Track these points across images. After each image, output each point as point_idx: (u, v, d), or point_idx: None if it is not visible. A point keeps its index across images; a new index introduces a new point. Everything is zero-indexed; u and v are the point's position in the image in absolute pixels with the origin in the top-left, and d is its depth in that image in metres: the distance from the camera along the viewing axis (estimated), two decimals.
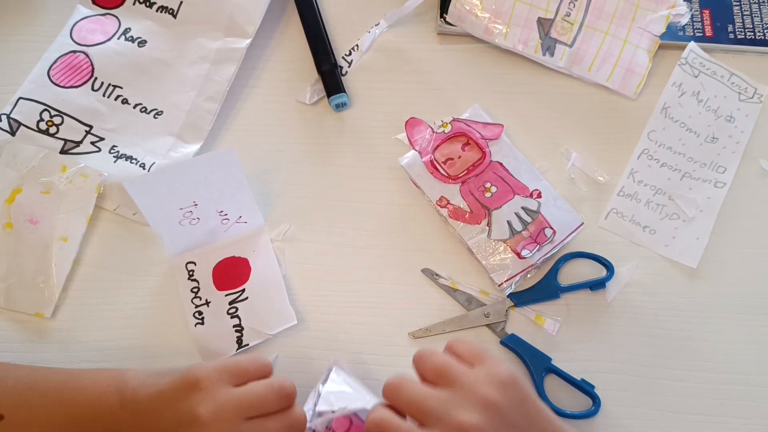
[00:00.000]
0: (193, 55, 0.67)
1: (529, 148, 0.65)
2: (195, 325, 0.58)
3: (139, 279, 0.60)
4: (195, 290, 0.59)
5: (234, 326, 0.58)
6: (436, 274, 0.61)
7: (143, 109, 0.65)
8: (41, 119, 0.63)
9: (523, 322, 0.59)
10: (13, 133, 0.63)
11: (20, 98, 0.64)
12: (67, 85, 0.65)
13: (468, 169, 0.63)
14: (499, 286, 0.59)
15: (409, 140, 0.64)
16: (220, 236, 0.60)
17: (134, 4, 0.69)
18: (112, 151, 0.63)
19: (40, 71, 0.65)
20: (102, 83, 0.65)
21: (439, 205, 0.61)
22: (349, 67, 0.69)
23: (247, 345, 0.57)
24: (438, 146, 0.63)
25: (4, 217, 0.60)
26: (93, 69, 0.66)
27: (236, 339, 0.57)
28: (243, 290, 0.59)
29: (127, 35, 0.67)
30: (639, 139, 0.66)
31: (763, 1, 0.71)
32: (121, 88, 0.66)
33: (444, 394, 0.44)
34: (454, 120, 0.64)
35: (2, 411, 0.47)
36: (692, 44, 0.69)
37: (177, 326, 0.58)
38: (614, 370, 0.58)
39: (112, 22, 0.68)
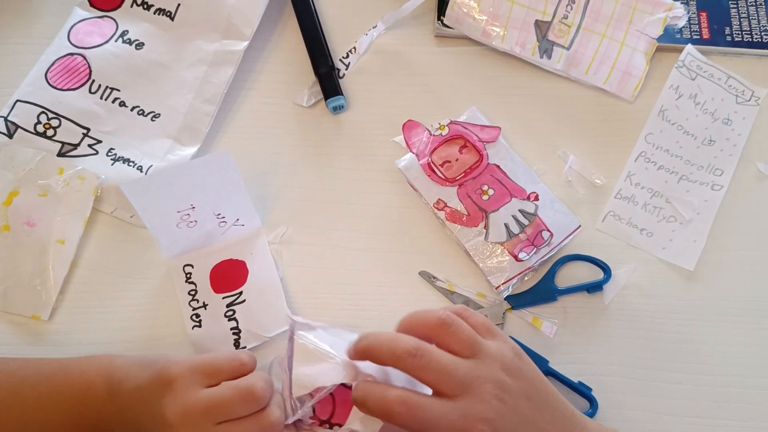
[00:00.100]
0: (191, 57, 0.67)
1: (527, 151, 0.65)
2: (192, 328, 0.58)
3: (136, 282, 0.60)
4: (192, 293, 0.59)
5: (231, 329, 0.58)
6: (434, 277, 0.61)
7: (141, 112, 0.65)
8: (38, 122, 0.63)
9: (520, 325, 0.59)
10: (10, 135, 0.63)
11: (17, 101, 0.64)
12: (65, 87, 0.65)
13: (465, 171, 0.63)
14: (497, 288, 0.59)
15: (407, 143, 0.64)
16: (217, 239, 0.60)
17: (132, 6, 0.69)
18: (110, 153, 0.63)
19: (38, 74, 0.65)
20: (99, 86, 0.65)
21: (437, 208, 0.62)
22: (346, 69, 0.69)
23: (245, 348, 0.57)
24: (435, 149, 0.64)
25: (1, 220, 0.60)
26: (90, 71, 0.66)
27: (233, 342, 0.57)
28: (240, 293, 0.59)
29: (125, 38, 0.67)
30: (636, 141, 0.66)
31: (761, 4, 0.71)
32: (118, 90, 0.66)
33: (470, 364, 0.44)
34: (451, 123, 0.64)
35: None
36: (689, 47, 0.69)
37: (174, 329, 0.58)
38: (611, 373, 0.58)
39: (109, 24, 0.68)
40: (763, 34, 0.70)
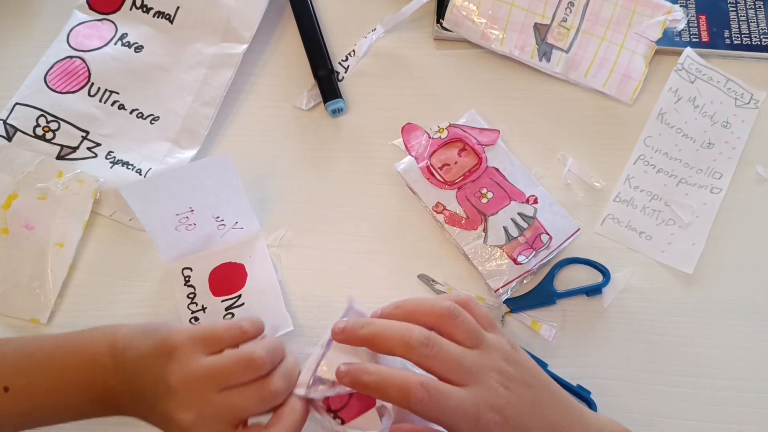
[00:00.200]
0: (190, 60, 0.67)
1: (526, 154, 0.65)
2: None
3: (135, 285, 0.60)
4: (191, 296, 0.59)
5: None
6: (433, 280, 0.61)
7: (140, 115, 0.65)
8: (38, 125, 0.63)
9: (519, 328, 0.59)
10: (9, 138, 0.63)
11: (17, 104, 0.64)
12: (64, 90, 0.65)
13: (464, 174, 0.63)
14: (496, 291, 0.59)
15: (406, 146, 0.64)
16: (216, 242, 0.60)
17: (131, 9, 0.69)
18: (109, 156, 0.63)
19: (37, 76, 0.65)
20: (98, 89, 0.65)
21: (436, 211, 0.62)
22: (345, 72, 0.69)
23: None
24: (434, 152, 0.64)
25: (0, 223, 0.60)
26: (90, 74, 0.66)
27: None
28: (239, 296, 0.59)
29: (124, 40, 0.67)
30: (635, 144, 0.66)
31: (759, 7, 0.71)
32: (117, 93, 0.66)
33: (475, 354, 0.44)
34: (450, 125, 0.65)
35: (6, 383, 0.48)
36: (688, 50, 0.69)
37: None
38: (610, 376, 0.58)
39: (108, 27, 0.68)
40: (762, 37, 0.70)
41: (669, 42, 0.69)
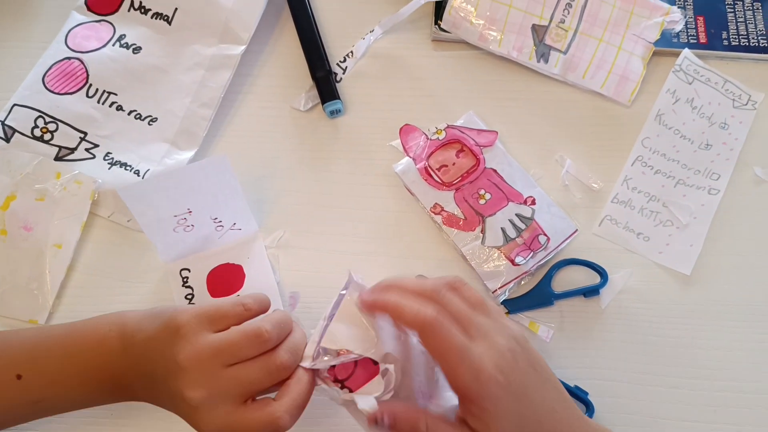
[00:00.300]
0: (188, 61, 0.67)
1: (524, 155, 0.65)
2: None
3: (133, 286, 0.60)
4: (189, 297, 0.59)
5: None
6: None
7: (138, 116, 0.65)
8: (36, 126, 0.63)
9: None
10: (7, 139, 0.63)
11: (15, 105, 0.64)
12: (62, 91, 0.65)
13: (462, 176, 0.63)
14: (493, 293, 0.59)
15: (404, 147, 0.64)
16: (214, 243, 0.60)
17: (129, 10, 0.69)
18: (107, 157, 0.63)
19: (35, 78, 0.65)
20: (97, 90, 0.65)
21: (433, 212, 0.62)
22: (343, 73, 0.69)
23: None
24: (432, 153, 0.64)
25: None
26: (88, 76, 0.66)
27: None
28: (237, 297, 0.59)
29: (122, 42, 0.67)
30: (633, 146, 0.66)
31: (758, 8, 0.71)
32: (115, 94, 0.66)
33: (486, 318, 0.45)
34: (448, 127, 0.65)
35: (18, 371, 0.48)
36: (686, 51, 0.69)
37: None
38: (608, 377, 0.58)
39: (107, 28, 0.68)
40: (760, 38, 0.70)
41: (667, 43, 0.69)
